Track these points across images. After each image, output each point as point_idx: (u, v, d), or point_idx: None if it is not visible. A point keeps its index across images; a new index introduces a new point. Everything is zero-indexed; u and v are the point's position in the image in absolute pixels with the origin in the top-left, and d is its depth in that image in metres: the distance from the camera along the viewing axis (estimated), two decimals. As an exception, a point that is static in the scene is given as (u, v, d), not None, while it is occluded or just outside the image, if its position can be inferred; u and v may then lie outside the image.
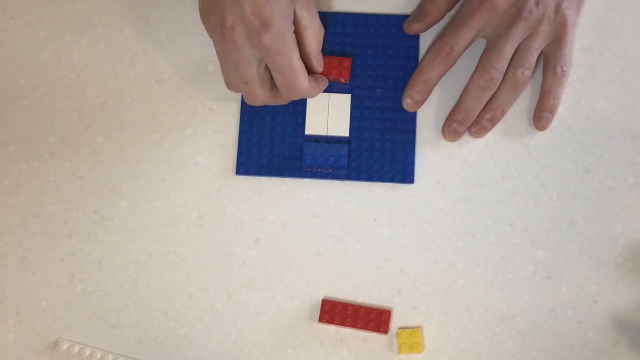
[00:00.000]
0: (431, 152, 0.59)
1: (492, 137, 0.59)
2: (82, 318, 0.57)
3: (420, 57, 0.60)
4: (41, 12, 0.61)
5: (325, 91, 0.59)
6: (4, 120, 0.60)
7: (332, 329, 0.56)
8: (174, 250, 0.58)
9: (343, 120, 0.59)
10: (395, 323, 0.57)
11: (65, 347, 0.56)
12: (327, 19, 0.60)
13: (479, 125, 0.58)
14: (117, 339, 0.57)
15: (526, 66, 0.57)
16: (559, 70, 0.58)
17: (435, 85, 0.58)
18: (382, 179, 0.58)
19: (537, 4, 0.56)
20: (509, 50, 0.56)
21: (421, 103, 0.58)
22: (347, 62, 0.59)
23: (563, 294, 0.57)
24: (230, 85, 0.56)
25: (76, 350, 0.56)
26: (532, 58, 0.57)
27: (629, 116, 0.59)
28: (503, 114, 0.58)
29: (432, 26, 0.59)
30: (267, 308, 0.57)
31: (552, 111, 0.58)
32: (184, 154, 0.59)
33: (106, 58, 0.61)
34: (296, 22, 0.54)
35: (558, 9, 0.56)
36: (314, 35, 0.55)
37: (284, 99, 0.56)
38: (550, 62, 0.58)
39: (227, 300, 0.57)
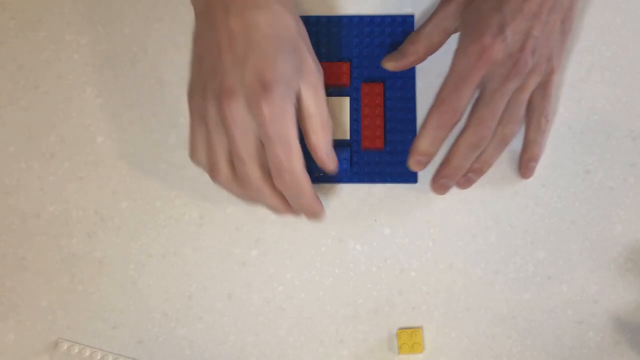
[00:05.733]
0: (431, 152, 0.59)
1: (492, 137, 0.59)
2: (82, 318, 0.57)
3: (420, 57, 0.60)
4: (41, 12, 0.61)
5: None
6: (4, 120, 0.60)
7: (332, 328, 0.56)
8: (174, 250, 0.58)
9: (343, 123, 0.58)
10: (395, 323, 0.57)
11: (65, 347, 0.56)
12: (322, 22, 0.60)
13: (465, 177, 0.56)
14: (117, 339, 0.57)
15: (515, 121, 0.55)
16: (542, 121, 0.56)
17: (440, 147, 0.55)
18: (384, 180, 0.58)
19: (532, 54, 0.52)
20: (501, 106, 0.54)
21: (427, 164, 0.56)
22: (346, 67, 0.59)
23: (563, 294, 0.57)
24: (215, 172, 0.51)
25: (76, 351, 0.56)
26: (522, 112, 0.55)
27: (629, 116, 0.59)
28: (489, 166, 0.56)
29: (406, 68, 0.58)
30: (267, 308, 0.57)
31: (537, 159, 0.57)
32: (184, 153, 0.59)
33: (106, 58, 0.61)
34: (301, 106, 0.50)
35: (549, 58, 0.54)
36: (320, 124, 0.51)
37: (279, 195, 0.51)
38: (535, 112, 0.56)
39: (227, 300, 0.57)
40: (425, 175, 0.58)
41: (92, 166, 0.59)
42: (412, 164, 0.55)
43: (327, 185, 0.58)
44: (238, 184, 0.51)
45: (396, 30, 0.60)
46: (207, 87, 0.49)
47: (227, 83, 0.48)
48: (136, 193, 0.59)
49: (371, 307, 0.57)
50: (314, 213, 0.52)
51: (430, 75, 0.60)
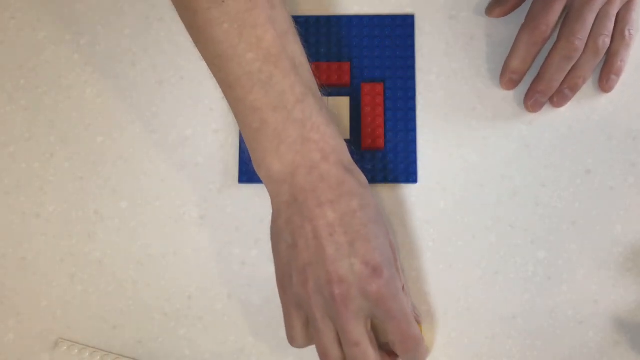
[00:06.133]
0: (431, 152, 0.59)
1: (492, 137, 0.59)
2: (82, 318, 0.57)
3: (417, 56, 0.60)
4: (41, 12, 0.61)
5: (324, 94, 0.59)
6: (4, 120, 0.60)
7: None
8: (174, 250, 0.58)
9: (343, 123, 0.58)
10: (395, 323, 0.57)
11: (65, 347, 0.56)
12: (322, 22, 0.60)
13: (561, 94, 0.58)
14: (117, 339, 0.57)
15: (606, 33, 0.57)
16: (626, 33, 0.58)
17: (531, 65, 0.58)
18: (385, 179, 0.58)
19: None
20: (591, 19, 0.57)
21: (518, 82, 0.59)
22: (346, 67, 0.59)
23: (563, 294, 0.57)
24: (327, 357, 0.51)
25: (76, 351, 0.56)
26: (611, 24, 0.57)
27: (629, 116, 0.59)
28: (584, 81, 0.58)
29: (513, 10, 0.60)
30: (267, 308, 0.57)
31: (618, 73, 0.59)
32: (184, 154, 0.59)
33: (106, 58, 0.61)
34: None
35: None
36: (402, 286, 0.52)
37: None
38: (619, 25, 0.58)
39: (227, 300, 0.57)
40: (422, 175, 0.58)
41: (92, 166, 0.59)
42: (504, 83, 0.59)
43: (327, 185, 0.58)
44: None
45: (396, 30, 0.60)
46: (309, 277, 0.50)
47: (337, 273, 0.49)
48: (136, 193, 0.59)
49: (371, 307, 0.57)
50: None
51: (430, 75, 0.60)
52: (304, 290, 0.50)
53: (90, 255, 0.58)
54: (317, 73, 0.59)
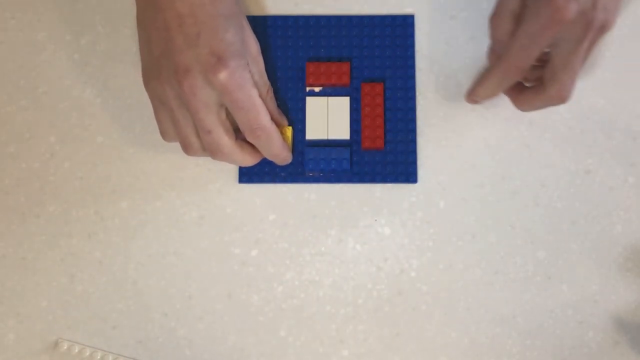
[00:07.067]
0: (431, 152, 0.59)
1: (492, 137, 0.59)
2: (82, 318, 0.57)
3: (417, 56, 0.60)
4: (41, 12, 0.61)
5: (324, 95, 0.59)
6: (4, 120, 0.60)
7: (332, 328, 0.56)
8: (174, 250, 0.58)
9: (343, 123, 0.58)
10: (395, 323, 0.57)
11: (65, 347, 0.56)
12: (322, 22, 0.60)
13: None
14: (117, 339, 0.57)
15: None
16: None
17: (497, 95, 0.56)
18: (385, 179, 0.58)
19: (604, 9, 0.51)
20: (579, 67, 0.53)
21: (480, 103, 0.59)
22: (346, 67, 0.59)
23: (563, 294, 0.57)
24: (188, 147, 0.54)
25: (76, 350, 0.56)
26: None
27: (629, 116, 0.59)
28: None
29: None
30: (267, 308, 0.57)
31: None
32: (184, 154, 0.59)
33: (106, 58, 0.61)
34: None
35: (616, 11, 0.53)
36: (266, 89, 0.56)
37: (249, 152, 0.55)
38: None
39: (227, 300, 0.57)
40: (422, 175, 0.58)
41: (92, 166, 0.59)
42: (468, 101, 0.58)
43: (327, 185, 0.58)
44: (210, 153, 0.54)
45: (396, 30, 0.60)
46: (161, 69, 0.52)
47: (182, 62, 0.51)
48: (136, 193, 0.59)
49: (371, 307, 0.57)
50: (284, 158, 0.57)
51: (430, 75, 0.60)
52: (158, 82, 0.52)
53: (90, 255, 0.58)
54: (317, 73, 0.59)
